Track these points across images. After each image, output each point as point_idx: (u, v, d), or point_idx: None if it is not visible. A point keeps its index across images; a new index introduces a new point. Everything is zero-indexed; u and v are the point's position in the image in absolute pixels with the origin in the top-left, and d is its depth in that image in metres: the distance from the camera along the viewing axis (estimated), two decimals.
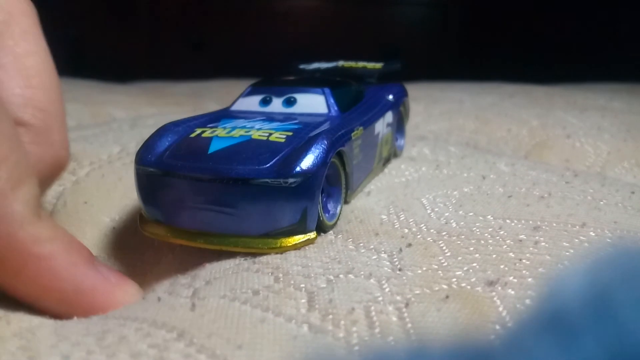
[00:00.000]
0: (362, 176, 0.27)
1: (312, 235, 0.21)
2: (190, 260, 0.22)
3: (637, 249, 0.10)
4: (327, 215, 0.23)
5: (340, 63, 0.34)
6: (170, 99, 0.64)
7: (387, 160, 0.31)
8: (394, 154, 0.33)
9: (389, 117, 0.31)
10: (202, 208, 0.21)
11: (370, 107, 0.29)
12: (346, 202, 0.25)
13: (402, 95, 0.34)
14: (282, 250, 0.21)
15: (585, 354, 0.09)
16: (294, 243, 0.21)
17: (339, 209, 0.24)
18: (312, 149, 0.21)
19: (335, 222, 0.24)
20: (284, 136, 0.22)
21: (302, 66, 0.34)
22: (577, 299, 0.09)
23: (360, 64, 0.34)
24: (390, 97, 0.32)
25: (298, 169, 0.20)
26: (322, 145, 0.21)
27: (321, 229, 0.22)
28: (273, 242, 0.21)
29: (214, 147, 0.22)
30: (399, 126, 0.34)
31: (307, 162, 0.21)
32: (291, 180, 0.20)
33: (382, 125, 0.29)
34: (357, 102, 0.29)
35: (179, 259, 0.23)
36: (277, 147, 0.22)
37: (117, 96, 0.61)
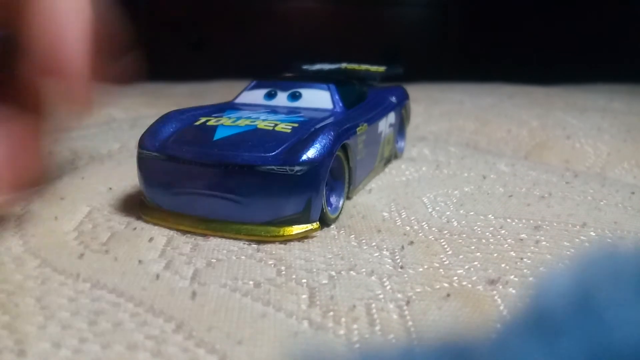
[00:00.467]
0: (364, 173, 0.27)
1: (315, 225, 0.21)
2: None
3: (621, 252, 0.10)
4: (330, 208, 0.23)
5: (344, 65, 0.34)
6: (170, 100, 0.64)
7: (387, 161, 0.32)
8: (395, 155, 0.33)
9: (391, 117, 0.31)
10: (206, 194, 0.21)
11: (374, 106, 0.29)
12: (348, 197, 0.25)
13: (404, 98, 0.34)
14: (285, 239, 0.21)
15: (568, 353, 0.09)
16: (296, 232, 0.21)
17: (341, 202, 0.24)
18: (319, 139, 0.21)
19: (338, 216, 0.24)
20: (290, 127, 0.22)
21: (305, 67, 0.34)
22: (562, 299, 0.10)
23: (363, 66, 0.34)
24: (393, 98, 0.32)
25: (304, 157, 0.20)
26: (329, 136, 0.21)
27: (324, 221, 0.22)
28: (276, 230, 0.21)
29: (219, 135, 0.22)
30: (399, 129, 0.34)
31: (313, 151, 0.21)
32: (297, 168, 0.20)
33: (385, 125, 0.30)
34: (361, 100, 0.29)
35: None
36: (283, 136, 0.22)
37: (117, 97, 0.61)
